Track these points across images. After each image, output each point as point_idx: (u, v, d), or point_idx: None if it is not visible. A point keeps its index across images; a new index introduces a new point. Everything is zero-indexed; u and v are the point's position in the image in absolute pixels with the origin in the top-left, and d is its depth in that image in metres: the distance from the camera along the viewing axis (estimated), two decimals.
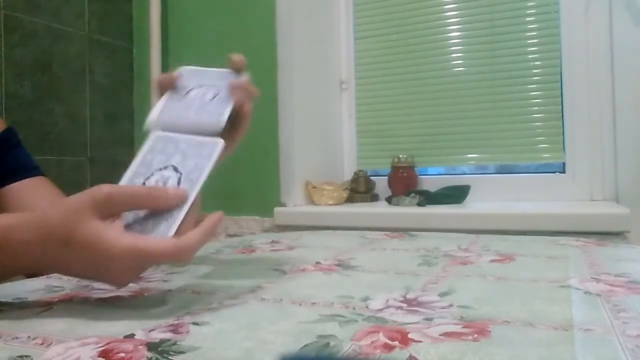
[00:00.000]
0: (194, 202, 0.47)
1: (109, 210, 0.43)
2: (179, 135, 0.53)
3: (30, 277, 0.61)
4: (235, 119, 0.59)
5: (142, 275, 0.56)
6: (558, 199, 1.35)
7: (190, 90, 0.58)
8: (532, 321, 0.38)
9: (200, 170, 0.49)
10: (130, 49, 1.67)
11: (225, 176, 1.43)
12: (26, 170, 0.80)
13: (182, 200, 0.46)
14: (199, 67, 0.61)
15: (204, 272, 0.60)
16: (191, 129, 0.54)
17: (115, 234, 0.42)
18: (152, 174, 0.49)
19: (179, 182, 0.48)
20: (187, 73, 0.60)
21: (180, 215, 0.45)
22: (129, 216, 0.45)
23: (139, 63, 1.66)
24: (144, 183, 0.49)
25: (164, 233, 0.44)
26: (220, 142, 0.51)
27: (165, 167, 0.50)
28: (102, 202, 0.42)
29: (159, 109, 0.56)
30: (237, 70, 0.60)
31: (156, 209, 0.45)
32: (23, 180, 0.78)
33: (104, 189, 0.43)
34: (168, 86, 0.59)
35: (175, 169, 0.49)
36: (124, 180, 0.49)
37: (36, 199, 0.76)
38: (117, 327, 0.38)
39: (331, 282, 0.52)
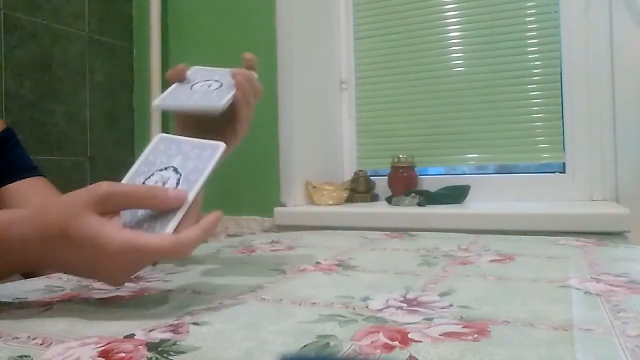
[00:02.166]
0: (194, 202, 0.47)
1: (107, 208, 0.43)
2: (182, 138, 0.54)
3: (29, 277, 0.61)
4: (234, 121, 0.62)
5: (139, 274, 0.57)
6: (558, 199, 1.35)
7: (196, 83, 0.63)
8: (532, 321, 0.38)
9: (199, 172, 0.49)
10: (130, 49, 1.67)
11: (225, 176, 1.43)
12: (25, 170, 0.80)
13: (181, 202, 0.45)
14: (208, 67, 0.66)
15: (204, 272, 0.60)
16: (193, 108, 0.60)
17: (113, 230, 0.41)
18: (153, 174, 0.50)
19: (177, 183, 0.48)
20: (196, 71, 0.66)
21: (178, 214, 0.45)
22: (126, 215, 0.45)
23: (139, 63, 1.66)
24: (144, 182, 0.49)
25: (161, 231, 0.44)
26: (221, 146, 0.52)
27: (166, 168, 0.50)
28: (100, 199, 0.42)
29: (165, 94, 0.62)
30: (249, 68, 0.63)
31: (155, 208, 0.45)
32: (22, 180, 0.78)
33: (103, 186, 0.43)
34: (176, 79, 0.64)
35: (176, 170, 0.50)
36: (126, 179, 0.49)
37: (35, 199, 0.76)
38: (117, 327, 0.38)
39: (331, 282, 0.52)
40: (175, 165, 0.50)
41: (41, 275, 0.60)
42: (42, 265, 0.47)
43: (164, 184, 0.48)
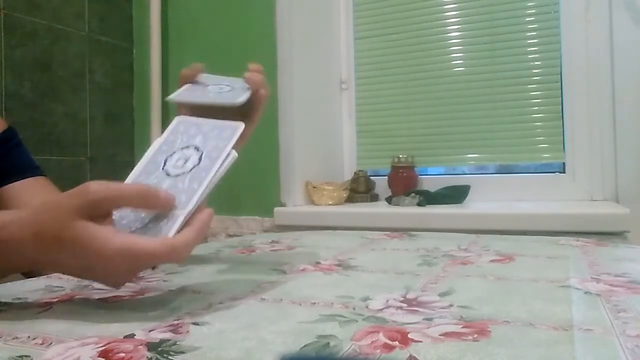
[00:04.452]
0: (201, 203, 0.47)
1: (97, 211, 0.42)
2: (202, 119, 0.55)
3: (29, 277, 0.61)
4: (251, 102, 0.61)
5: (138, 275, 0.57)
6: (558, 199, 1.35)
7: (209, 85, 0.63)
8: (532, 321, 0.38)
9: (220, 150, 0.50)
10: (130, 49, 1.67)
11: (225, 176, 1.43)
12: (27, 170, 0.80)
13: (170, 206, 0.45)
14: (218, 75, 0.66)
15: (204, 272, 0.60)
16: (211, 102, 0.59)
17: (107, 235, 0.41)
18: (175, 152, 0.51)
19: (200, 159, 0.50)
20: (207, 77, 0.66)
21: (181, 216, 0.45)
22: (130, 215, 0.45)
23: (139, 63, 1.66)
24: (165, 160, 0.50)
25: (165, 233, 0.44)
26: (240, 126, 0.53)
27: (187, 147, 0.52)
28: (90, 203, 0.41)
29: (180, 90, 0.62)
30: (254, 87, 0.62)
31: (145, 209, 0.45)
32: (24, 180, 0.78)
33: (91, 187, 0.42)
34: (190, 77, 0.64)
35: (197, 148, 0.51)
36: (147, 157, 0.51)
37: (37, 199, 0.76)
38: (117, 327, 0.38)
39: (331, 282, 0.52)
40: (196, 144, 0.52)
41: (41, 275, 0.60)
42: (39, 266, 0.47)
43: (185, 161, 0.50)
